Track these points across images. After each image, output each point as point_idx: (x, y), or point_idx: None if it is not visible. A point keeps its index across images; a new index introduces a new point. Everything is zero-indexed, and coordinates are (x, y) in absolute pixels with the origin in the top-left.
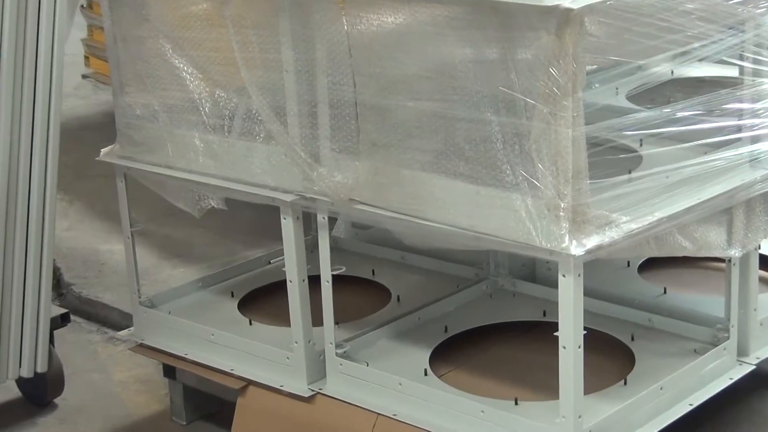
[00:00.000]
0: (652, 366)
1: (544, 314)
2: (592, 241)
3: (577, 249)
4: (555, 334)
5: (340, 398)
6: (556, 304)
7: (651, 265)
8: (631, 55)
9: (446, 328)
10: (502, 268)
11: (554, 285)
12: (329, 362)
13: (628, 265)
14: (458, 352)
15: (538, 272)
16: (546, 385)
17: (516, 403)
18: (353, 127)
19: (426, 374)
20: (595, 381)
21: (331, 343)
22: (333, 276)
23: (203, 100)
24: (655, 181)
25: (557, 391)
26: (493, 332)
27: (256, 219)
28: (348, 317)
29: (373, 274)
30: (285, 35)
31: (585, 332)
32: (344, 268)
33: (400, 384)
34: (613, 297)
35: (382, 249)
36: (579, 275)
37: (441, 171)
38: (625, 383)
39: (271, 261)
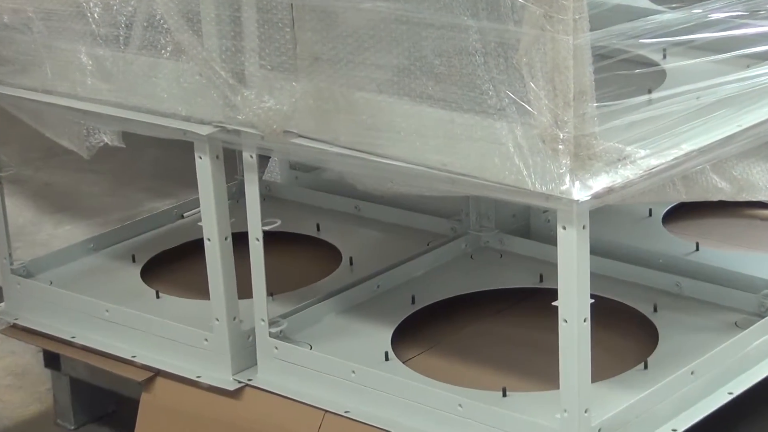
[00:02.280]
0: (680, 344)
1: (541, 279)
2: (600, 183)
3: (581, 193)
4: (554, 304)
5: (276, 391)
6: (555, 265)
7: (678, 214)
8: None
9: (413, 298)
10: (486, 220)
11: (553, 242)
12: (261, 345)
13: (650, 215)
14: (429, 329)
15: (532, 225)
16: (542, 371)
17: (504, 394)
18: (288, 37)
19: (387, 359)
20: (606, 365)
21: (263, 321)
22: (265, 233)
23: (91, 3)
24: (683, 103)
25: (557, 379)
26: (475, 304)
27: (164, 160)
28: (286, 286)
29: (318, 229)
30: None
31: (592, 301)
32: (279, 222)
33: (354, 372)
34: (630, 256)
35: (329, 197)
36: (584, 227)
37: (404, 93)
38: (646, 367)
39: (184, 214)
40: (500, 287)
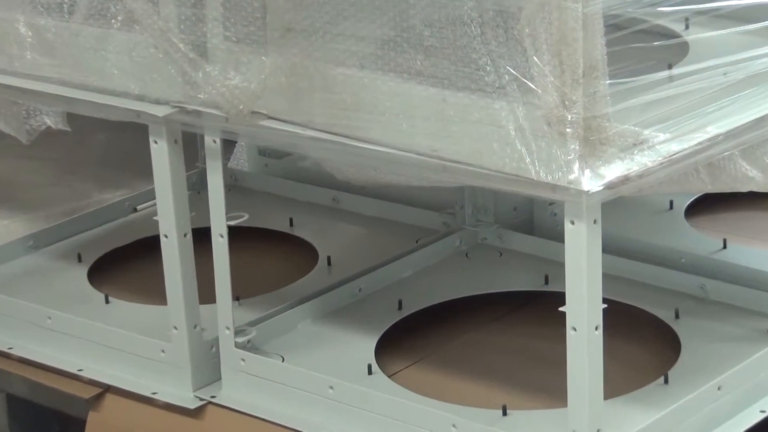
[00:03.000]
0: (705, 355)
1: (546, 281)
2: (614, 171)
3: (591, 182)
4: (561, 309)
5: (242, 410)
6: (563, 265)
7: (703, 206)
8: None
9: (400, 303)
10: (484, 213)
11: (560, 238)
12: (225, 357)
13: (671, 207)
14: (419, 339)
15: (536, 219)
16: (548, 386)
17: (504, 413)
18: (257, 5)
19: (371, 372)
20: (620, 379)
21: (228, 329)
22: (230, 228)
23: None
24: (708, 80)
25: (564, 395)
26: (471, 309)
27: (114, 145)
28: (254, 289)
29: (291, 224)
30: None
31: (605, 306)
32: (247, 216)
33: (332, 388)
34: (648, 254)
35: (304, 188)
36: (595, 222)
37: (389, 69)
38: (666, 381)
39: (138, 207)
40: (499, 290)
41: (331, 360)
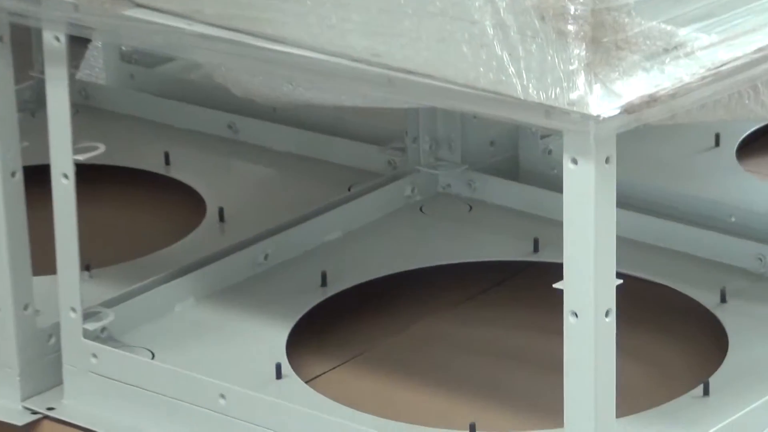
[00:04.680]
0: (760, 355)
1: (536, 247)
2: (635, 88)
3: (603, 104)
4: (555, 287)
5: (92, 428)
6: (559, 225)
7: (763, 143)
8: None
9: (324, 277)
10: (446, 149)
11: (556, 186)
12: (70, 351)
13: (716, 144)
14: (349, 329)
15: (523, 158)
16: (534, 398)
17: None
18: None
19: (280, 376)
20: (641, 388)
21: (73, 311)
22: (79, 166)
23: None
24: None
25: (557, 410)
26: (425, 288)
27: None
28: (113, 255)
29: (167, 161)
30: None
31: (620, 283)
32: (103, 149)
33: (223, 397)
34: (682, 210)
35: (187, 109)
36: (608, 161)
37: None
38: (707, 392)
39: None
40: (467, 260)
41: (222, 357)
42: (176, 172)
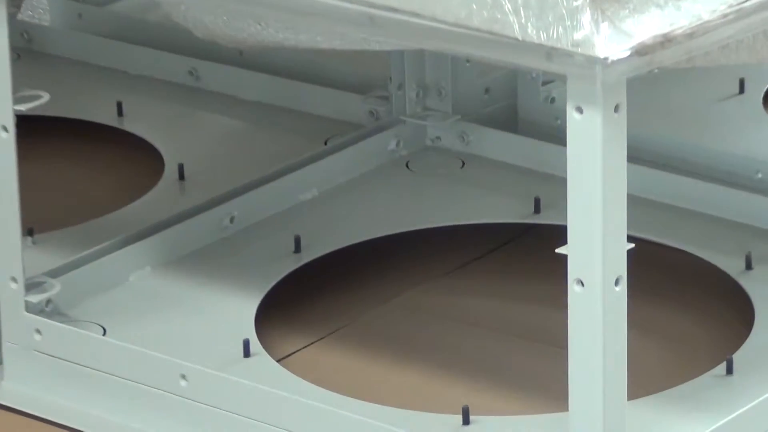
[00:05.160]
0: None
1: (537, 208)
2: (648, 26)
3: (612, 44)
4: (559, 251)
5: (34, 413)
6: (563, 182)
7: None
8: None
9: (298, 242)
10: (435, 96)
11: (559, 139)
12: (10, 327)
13: (741, 91)
14: (326, 301)
15: (521, 107)
16: (533, 378)
17: (466, 420)
18: None
19: (248, 354)
20: (656, 366)
21: (14, 281)
22: (20, 117)
23: None
24: None
25: (562, 391)
26: (413, 254)
27: None
28: (59, 218)
29: (121, 113)
30: None
31: (632, 247)
32: (47, 98)
33: (185, 378)
34: (702, 166)
35: (142, 53)
36: (618, 110)
37: None
38: (730, 370)
39: None
40: (460, 222)
41: (183, 333)
42: (130, 125)
